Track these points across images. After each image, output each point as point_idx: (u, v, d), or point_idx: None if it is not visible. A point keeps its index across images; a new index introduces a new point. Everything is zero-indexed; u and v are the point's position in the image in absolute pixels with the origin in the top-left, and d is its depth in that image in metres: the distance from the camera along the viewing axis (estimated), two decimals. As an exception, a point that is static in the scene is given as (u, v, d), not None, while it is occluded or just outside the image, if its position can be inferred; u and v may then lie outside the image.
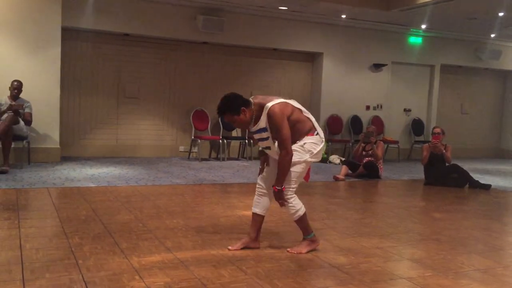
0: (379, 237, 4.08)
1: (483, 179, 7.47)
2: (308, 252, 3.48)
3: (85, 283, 2.74)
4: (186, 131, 9.34)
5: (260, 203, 3.51)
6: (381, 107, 10.93)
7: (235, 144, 9.77)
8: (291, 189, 3.38)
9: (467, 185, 7.13)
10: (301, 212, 3.43)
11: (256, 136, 3.43)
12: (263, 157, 3.59)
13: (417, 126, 11.33)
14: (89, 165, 7.63)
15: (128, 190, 5.75)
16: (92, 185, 5.91)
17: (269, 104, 3.27)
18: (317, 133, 3.46)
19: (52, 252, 3.26)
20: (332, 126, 10.38)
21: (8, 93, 7.02)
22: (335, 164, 9.40)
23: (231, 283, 2.86)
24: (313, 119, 3.50)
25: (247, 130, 3.60)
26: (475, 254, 3.72)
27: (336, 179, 7.34)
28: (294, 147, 3.34)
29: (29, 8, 7.48)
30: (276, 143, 3.37)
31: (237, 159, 9.61)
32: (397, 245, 3.89)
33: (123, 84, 9.01)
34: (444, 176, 7.20)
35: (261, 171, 3.57)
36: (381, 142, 8.16)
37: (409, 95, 11.37)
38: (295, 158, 3.32)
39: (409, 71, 11.31)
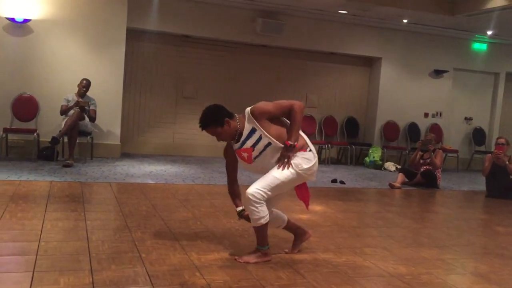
0: (439, 248, 3.96)
1: (550, 194, 7.08)
2: (256, 263, 3.18)
3: (149, 276, 2.83)
4: (241, 133, 9.43)
5: (275, 219, 3.39)
6: (440, 114, 10.60)
7: (288, 147, 9.75)
8: (264, 194, 3.10)
9: (533, 200, 6.80)
10: (263, 221, 3.15)
11: (248, 144, 3.16)
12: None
13: (478, 136, 10.91)
14: (147, 162, 7.86)
15: (185, 188, 5.88)
16: (150, 181, 6.09)
17: (249, 107, 3.17)
18: (310, 150, 3.27)
19: (117, 245, 3.39)
20: (388, 132, 10.17)
21: (76, 90, 7.35)
22: (390, 171, 9.22)
23: (290, 286, 2.87)
24: (304, 135, 3.30)
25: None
26: (544, 272, 3.55)
27: (392, 186, 7.19)
28: None
29: (97, 9, 7.81)
30: (274, 142, 3.14)
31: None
32: (458, 257, 3.76)
33: (181, 84, 9.23)
34: (508, 189, 6.88)
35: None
36: (440, 151, 7.91)
37: (471, 103, 10.97)
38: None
39: (472, 78, 10.90)
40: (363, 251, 3.73)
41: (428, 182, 7.42)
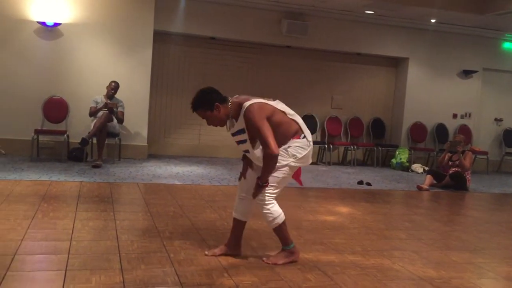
0: (470, 252, 3.89)
1: None
2: (284, 263, 3.18)
3: (178, 277, 2.86)
4: (266, 134, 9.42)
5: (238, 208, 3.29)
6: (469, 115, 10.40)
7: (314, 148, 9.66)
8: (271, 195, 3.11)
9: None
10: (279, 220, 3.15)
11: (235, 139, 3.18)
12: (245, 160, 3.33)
13: (509, 137, 10.64)
14: (174, 163, 7.93)
15: (211, 189, 5.91)
16: (177, 182, 6.14)
17: (247, 104, 3.06)
18: (304, 136, 3.19)
19: (146, 245, 3.43)
20: (416, 134, 10.03)
21: (105, 92, 7.48)
22: (418, 173, 9.09)
23: (318, 288, 2.86)
24: (300, 121, 3.23)
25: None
26: None
27: (420, 188, 7.08)
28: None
29: (125, 13, 7.94)
30: (256, 147, 3.17)
31: (315, 163, 9.55)
32: (490, 261, 3.68)
33: (207, 86, 9.25)
34: (540, 192, 6.71)
35: (243, 175, 3.32)
36: (470, 152, 7.75)
37: (501, 103, 10.72)
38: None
39: (502, 78, 10.66)
40: (391, 253, 3.69)
41: (457, 184, 7.28)
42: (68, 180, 5.74)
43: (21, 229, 3.59)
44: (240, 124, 3.11)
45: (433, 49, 9.97)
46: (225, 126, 3.24)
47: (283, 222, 3.19)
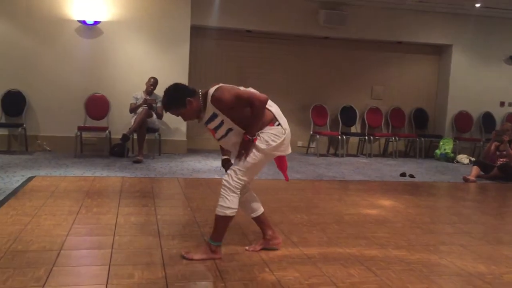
0: (522, 247, 3.70)
1: None
2: (201, 260, 2.99)
3: (219, 272, 2.84)
4: (305, 126, 9.33)
5: (247, 202, 3.28)
6: (518, 103, 9.98)
7: (354, 140, 9.57)
8: (239, 180, 2.99)
9: None
10: (228, 213, 2.98)
11: (211, 126, 3.10)
12: (224, 151, 3.33)
13: (560, 125, 10.14)
14: (212, 157, 7.96)
15: (250, 183, 5.87)
16: (217, 177, 6.15)
17: (212, 89, 3.01)
18: (279, 124, 3.10)
19: (187, 240, 3.43)
20: (461, 123, 9.69)
21: (144, 88, 7.57)
22: (463, 164, 8.79)
23: (362, 284, 2.78)
24: (274, 109, 3.13)
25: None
26: None
27: (466, 180, 6.83)
28: None
29: (162, 9, 8.00)
30: (235, 128, 3.06)
31: (355, 155, 9.40)
32: (545, 256, 3.50)
33: (244, 79, 9.22)
34: None
35: (225, 167, 3.28)
36: (518, 142, 7.43)
37: (552, 90, 10.22)
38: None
39: (552, 63, 10.16)
40: (438, 248, 3.56)
41: (506, 175, 6.99)
42: (110, 175, 5.85)
43: (66, 224, 3.67)
44: (209, 111, 3.05)
45: (477, 35, 9.59)
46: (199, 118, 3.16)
47: (230, 218, 3.03)
